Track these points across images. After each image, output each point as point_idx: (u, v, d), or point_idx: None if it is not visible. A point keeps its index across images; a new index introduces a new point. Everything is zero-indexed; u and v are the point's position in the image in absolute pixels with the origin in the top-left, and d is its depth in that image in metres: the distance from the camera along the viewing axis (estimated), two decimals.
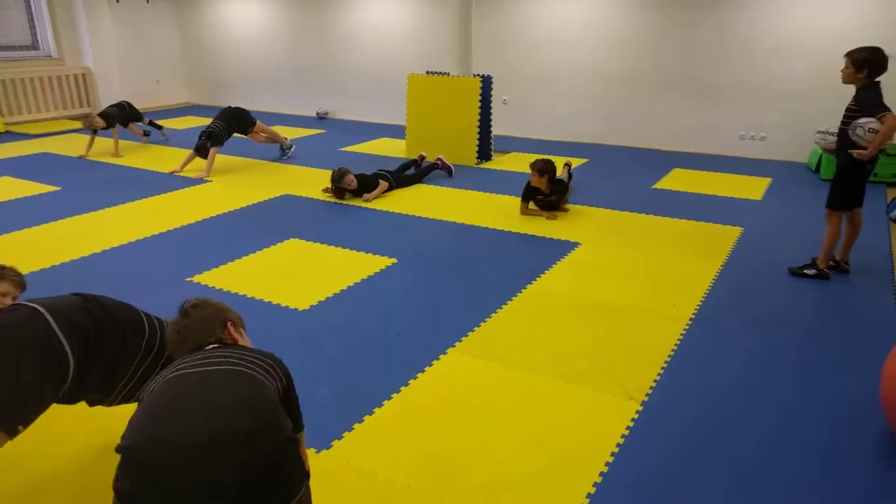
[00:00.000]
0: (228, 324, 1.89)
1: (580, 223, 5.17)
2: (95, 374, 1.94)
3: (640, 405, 2.74)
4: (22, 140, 8.30)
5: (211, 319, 1.85)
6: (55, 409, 1.93)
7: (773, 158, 7.47)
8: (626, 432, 2.56)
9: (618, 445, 2.48)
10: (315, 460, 2.38)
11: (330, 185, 5.80)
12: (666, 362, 3.09)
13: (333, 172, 5.73)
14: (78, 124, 9.27)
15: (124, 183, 6.27)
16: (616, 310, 3.65)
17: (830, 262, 4.12)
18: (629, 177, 6.68)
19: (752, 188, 6.24)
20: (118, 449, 1.42)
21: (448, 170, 6.61)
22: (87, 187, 6.10)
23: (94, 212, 5.34)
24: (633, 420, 2.64)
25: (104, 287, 3.85)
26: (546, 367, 3.04)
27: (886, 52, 3.71)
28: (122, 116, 7.60)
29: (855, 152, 3.73)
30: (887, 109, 3.62)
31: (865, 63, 3.68)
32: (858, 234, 4.13)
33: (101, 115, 7.37)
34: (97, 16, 9.77)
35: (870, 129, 3.66)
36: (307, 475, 1.57)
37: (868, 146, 3.69)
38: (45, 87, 9.45)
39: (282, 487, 1.45)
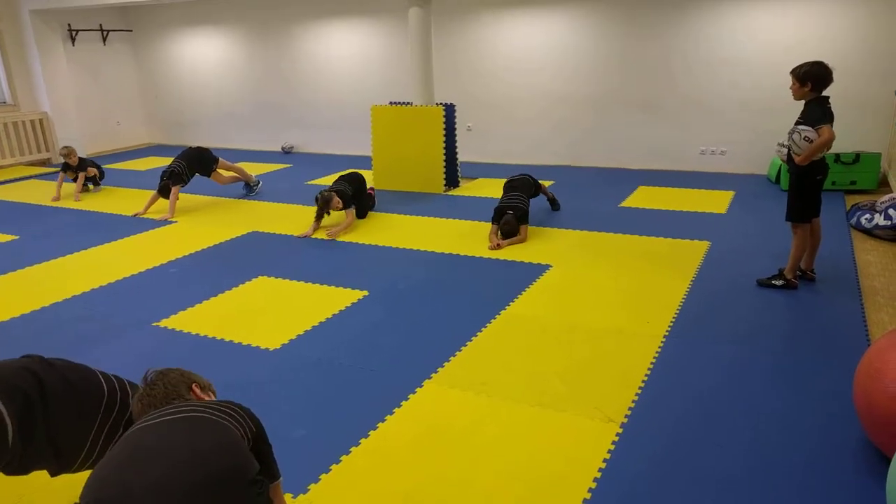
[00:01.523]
0: (194, 385, 1.85)
1: (550, 245, 5.19)
2: (41, 440, 1.80)
3: (620, 427, 2.72)
4: None
5: (176, 383, 1.82)
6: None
7: (734, 172, 7.63)
8: (608, 455, 2.53)
9: (599, 470, 2.45)
10: None
11: (314, 222, 5.71)
12: (644, 381, 3.08)
13: (318, 200, 5.66)
14: (35, 170, 9.08)
15: (86, 227, 6.13)
16: (590, 331, 3.64)
17: (797, 272, 4.18)
18: (596, 197, 6.75)
19: (717, 202, 6.35)
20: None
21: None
22: (47, 234, 5.95)
23: (54, 259, 5.20)
24: (613, 443, 2.61)
25: (69, 336, 3.75)
26: (524, 394, 3.01)
27: (831, 65, 3.82)
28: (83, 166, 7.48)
29: (795, 156, 3.85)
30: (828, 122, 3.72)
31: (808, 76, 3.80)
32: (819, 242, 4.21)
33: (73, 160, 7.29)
34: (52, 60, 9.64)
35: (805, 137, 3.77)
36: None
37: (801, 153, 3.80)
38: (1, 134, 9.25)
39: None
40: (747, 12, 7.15)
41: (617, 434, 2.67)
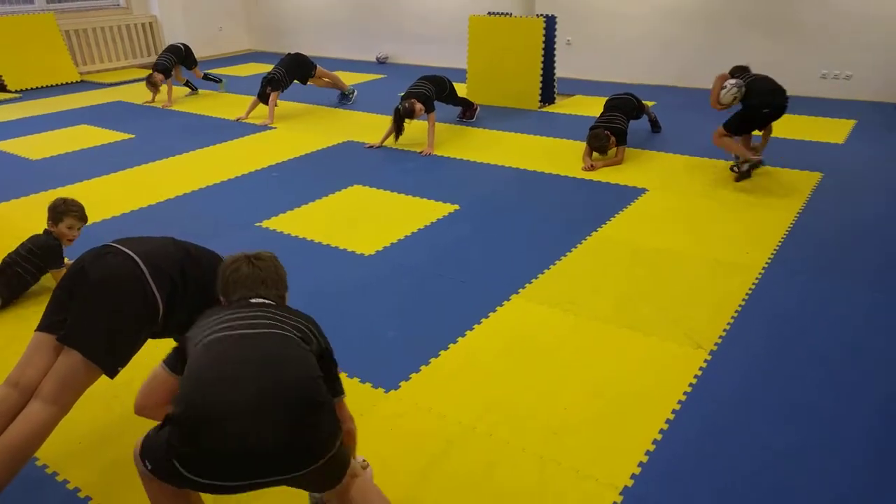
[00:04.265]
0: (287, 294, 1.94)
1: (647, 169, 5.02)
2: (180, 318, 2.02)
3: (709, 354, 2.70)
4: (96, 89, 8.58)
5: (283, 280, 1.90)
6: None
7: (858, 99, 7.00)
8: (694, 380, 2.53)
9: (685, 393, 2.46)
10: (384, 400, 2.46)
11: (394, 126, 5.58)
12: (737, 311, 3.01)
13: (399, 112, 5.48)
14: (146, 72, 9.50)
15: (193, 130, 6.43)
16: (684, 258, 3.56)
17: None
18: (701, 120, 6.39)
19: (835, 131, 5.89)
20: (173, 416, 1.50)
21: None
22: (159, 135, 6.29)
23: (165, 159, 5.51)
24: (700, 369, 2.60)
25: (177, 232, 4.01)
26: (611, 314, 3.02)
27: None
28: (177, 60, 7.68)
29: None
30: None
31: None
32: None
33: (158, 68, 7.49)
34: None
35: None
36: (340, 431, 1.61)
37: None
38: (114, 37, 9.69)
39: (318, 440, 1.52)
40: None
41: (705, 360, 2.65)
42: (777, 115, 4.70)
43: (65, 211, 3.21)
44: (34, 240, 3.25)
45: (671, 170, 5.00)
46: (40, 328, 1.94)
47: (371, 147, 5.72)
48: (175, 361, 1.69)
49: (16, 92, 8.30)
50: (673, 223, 4.03)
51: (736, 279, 3.31)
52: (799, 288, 3.23)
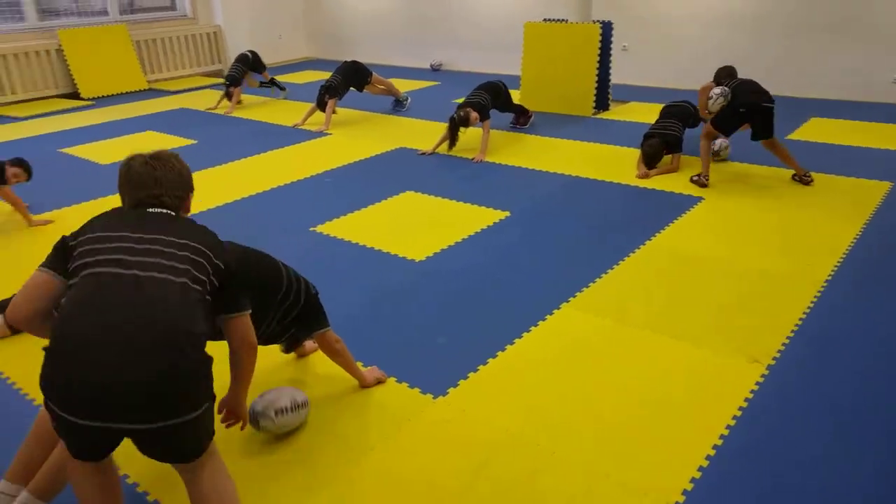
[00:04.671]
0: (190, 194, 1.91)
1: None
2: None
3: (766, 369, 2.61)
4: (162, 96, 8.94)
5: (184, 181, 1.86)
6: None
7: None
8: (750, 396, 2.46)
9: (740, 409, 2.39)
10: (431, 406, 2.47)
11: (449, 134, 5.61)
12: (797, 326, 2.91)
13: (454, 121, 5.51)
14: (209, 80, 9.85)
15: (252, 136, 6.62)
16: (741, 269, 3.46)
17: None
18: None
19: None
20: (47, 346, 1.52)
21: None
22: (220, 141, 6.50)
23: (225, 164, 5.70)
24: (757, 384, 2.53)
25: (234, 236, 4.14)
26: (663, 325, 2.96)
27: None
28: (246, 68, 7.94)
29: None
30: None
31: None
32: None
33: (231, 80, 7.77)
34: None
35: None
36: (212, 399, 1.63)
37: None
38: (181, 46, 10.08)
39: (181, 391, 1.52)
40: None
41: (762, 376, 2.57)
42: (755, 117, 4.66)
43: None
44: None
45: (729, 178, 4.87)
46: None
47: (424, 154, 5.77)
48: (56, 262, 1.67)
49: (89, 100, 8.73)
50: (730, 233, 3.92)
51: (796, 292, 3.20)
52: (864, 303, 3.10)
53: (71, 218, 4.43)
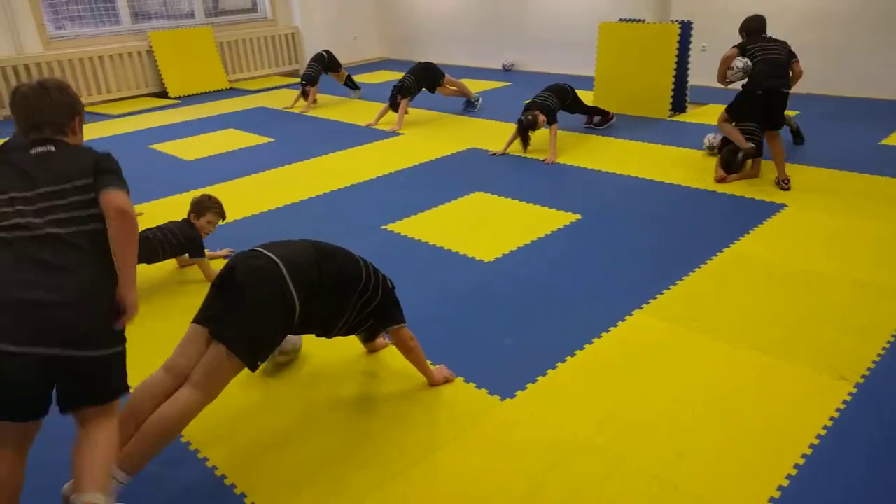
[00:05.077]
0: (77, 118, 1.98)
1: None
2: (315, 317, 2.23)
3: (854, 387, 2.48)
4: (242, 95, 9.27)
5: (66, 106, 1.94)
6: None
7: None
8: (836, 415, 2.34)
9: (825, 428, 2.27)
10: (499, 408, 2.47)
11: (518, 135, 5.64)
12: (889, 342, 2.75)
13: (522, 123, 5.57)
14: (287, 80, 10.15)
15: (326, 135, 6.78)
16: (827, 280, 3.30)
17: None
18: (850, 131, 5.90)
19: None
20: None
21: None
22: (296, 139, 6.70)
23: (300, 162, 5.86)
24: (844, 402, 2.40)
25: (309, 232, 4.25)
26: (741, 336, 2.85)
27: None
28: (322, 68, 8.13)
29: None
30: None
31: None
32: None
33: (307, 79, 7.96)
34: None
35: None
36: (122, 340, 1.86)
37: None
38: (261, 47, 10.43)
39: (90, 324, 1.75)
40: None
41: (850, 394, 2.44)
42: (771, 101, 4.55)
43: (209, 206, 3.54)
44: (178, 226, 3.54)
45: (814, 184, 4.65)
46: (196, 320, 2.14)
47: (494, 155, 5.77)
48: None
49: (176, 98, 9.15)
50: (815, 242, 3.74)
51: (888, 306, 3.02)
52: None
53: (158, 211, 4.65)
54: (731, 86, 4.87)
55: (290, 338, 2.65)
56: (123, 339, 1.87)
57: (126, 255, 1.85)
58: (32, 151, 1.86)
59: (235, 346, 2.03)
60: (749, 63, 4.59)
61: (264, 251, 2.18)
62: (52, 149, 1.88)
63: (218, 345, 2.04)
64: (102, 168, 1.88)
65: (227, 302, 2.10)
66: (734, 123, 4.81)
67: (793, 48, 4.64)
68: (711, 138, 5.33)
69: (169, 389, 2.05)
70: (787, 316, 3.00)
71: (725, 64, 4.73)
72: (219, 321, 2.08)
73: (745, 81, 4.68)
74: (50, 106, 1.92)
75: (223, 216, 3.63)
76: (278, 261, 2.12)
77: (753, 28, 4.79)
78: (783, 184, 4.56)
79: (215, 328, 2.07)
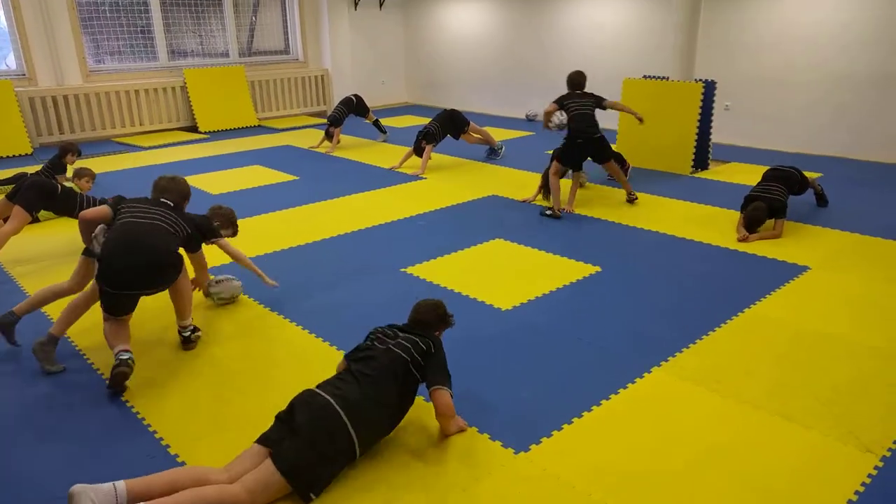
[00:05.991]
0: (184, 203, 3.37)
1: (811, 245, 4.66)
2: (371, 430, 2.40)
3: (881, 461, 2.40)
4: (270, 133, 9.47)
5: (182, 192, 3.36)
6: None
7: None
8: (861, 489, 2.26)
9: (849, 502, 2.20)
10: (512, 461, 2.42)
11: (542, 186, 5.75)
12: None
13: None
14: (315, 120, 10.37)
15: (350, 175, 6.88)
16: (852, 346, 3.23)
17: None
18: (876, 196, 5.87)
19: None
20: (99, 255, 3.06)
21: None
22: (320, 178, 6.79)
23: (323, 201, 5.93)
24: (869, 476, 2.32)
25: (328, 272, 4.27)
26: (763, 400, 2.79)
27: None
28: (348, 111, 8.30)
29: None
30: None
31: None
32: None
33: (333, 121, 8.12)
34: (338, 22, 10.84)
35: None
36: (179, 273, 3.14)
37: None
38: (291, 87, 10.70)
39: (164, 275, 3.08)
40: None
41: (875, 468, 2.36)
42: (591, 146, 5.44)
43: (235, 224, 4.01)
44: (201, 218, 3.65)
45: (838, 248, 4.60)
46: (260, 441, 2.27)
47: (525, 201, 5.82)
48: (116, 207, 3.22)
49: (205, 133, 9.36)
50: (839, 306, 3.68)
51: None
52: None
53: None
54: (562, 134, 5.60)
55: (231, 284, 3.75)
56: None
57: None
58: (161, 199, 3.33)
59: (294, 481, 2.17)
60: (564, 119, 5.46)
61: (323, 395, 2.31)
62: (171, 203, 3.35)
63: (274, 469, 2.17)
64: (194, 234, 3.38)
65: (290, 437, 2.22)
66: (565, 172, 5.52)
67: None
68: (559, 115, 5.66)
69: (223, 480, 2.17)
70: (811, 381, 2.93)
71: (547, 117, 5.64)
72: (283, 452, 2.20)
73: (565, 132, 5.50)
74: (174, 188, 3.39)
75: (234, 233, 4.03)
76: (338, 408, 2.27)
77: (572, 83, 5.60)
78: (630, 196, 5.62)
79: (278, 456, 2.19)
